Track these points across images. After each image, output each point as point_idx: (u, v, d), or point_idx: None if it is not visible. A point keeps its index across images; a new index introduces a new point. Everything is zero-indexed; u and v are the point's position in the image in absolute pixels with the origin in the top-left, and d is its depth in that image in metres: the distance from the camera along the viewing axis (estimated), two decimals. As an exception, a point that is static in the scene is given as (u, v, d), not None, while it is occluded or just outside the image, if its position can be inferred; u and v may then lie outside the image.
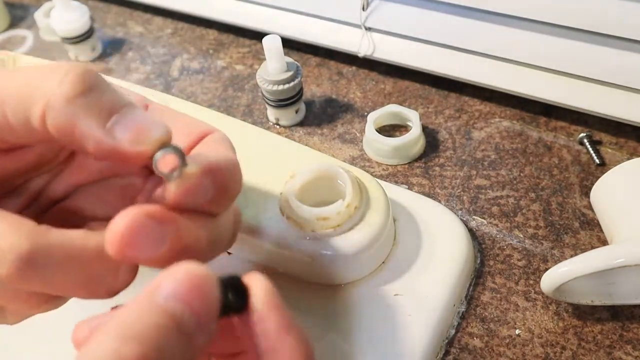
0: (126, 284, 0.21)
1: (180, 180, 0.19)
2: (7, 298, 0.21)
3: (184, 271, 0.17)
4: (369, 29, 0.48)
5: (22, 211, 0.23)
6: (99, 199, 0.25)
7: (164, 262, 0.19)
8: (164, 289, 0.17)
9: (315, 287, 0.33)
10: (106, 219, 0.21)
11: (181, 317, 0.17)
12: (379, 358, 0.31)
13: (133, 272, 0.21)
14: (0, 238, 0.18)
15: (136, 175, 0.25)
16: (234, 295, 0.19)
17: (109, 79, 0.22)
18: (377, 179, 0.34)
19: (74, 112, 0.19)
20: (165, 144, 0.20)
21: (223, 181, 0.21)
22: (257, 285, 0.19)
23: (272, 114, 0.46)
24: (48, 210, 0.24)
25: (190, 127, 0.24)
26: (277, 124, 0.46)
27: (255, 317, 0.19)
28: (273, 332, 0.18)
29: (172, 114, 0.25)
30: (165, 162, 0.19)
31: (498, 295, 0.34)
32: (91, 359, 0.15)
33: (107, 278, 0.20)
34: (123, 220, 0.18)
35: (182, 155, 0.19)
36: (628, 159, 0.41)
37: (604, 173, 0.35)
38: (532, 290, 0.34)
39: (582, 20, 0.39)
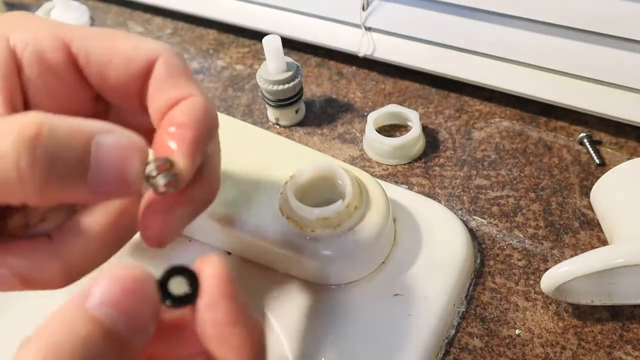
0: None
1: (179, 187, 0.20)
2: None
3: (112, 275, 0.17)
4: (369, 29, 0.48)
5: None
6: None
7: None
8: (92, 295, 0.16)
9: (315, 287, 0.33)
10: None
11: (112, 322, 0.16)
12: (379, 358, 0.31)
13: None
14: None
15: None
16: (184, 285, 0.18)
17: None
18: (377, 179, 0.34)
19: (51, 196, 0.17)
20: (145, 164, 0.19)
21: (205, 137, 0.21)
22: (208, 271, 0.18)
23: (272, 114, 0.46)
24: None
25: (132, 61, 0.21)
26: (277, 124, 0.46)
27: (202, 306, 0.18)
28: (222, 322, 0.17)
29: (102, 49, 0.21)
30: (158, 188, 0.19)
31: (498, 295, 0.34)
32: None
33: None
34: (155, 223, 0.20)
35: (164, 164, 0.19)
36: (628, 159, 0.41)
37: (604, 173, 0.35)
38: (532, 290, 0.34)
39: (582, 20, 0.39)
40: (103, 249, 0.21)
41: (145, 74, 0.22)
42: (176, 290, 0.18)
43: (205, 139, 0.21)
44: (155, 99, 0.21)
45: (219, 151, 0.24)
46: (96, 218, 0.21)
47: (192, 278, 0.18)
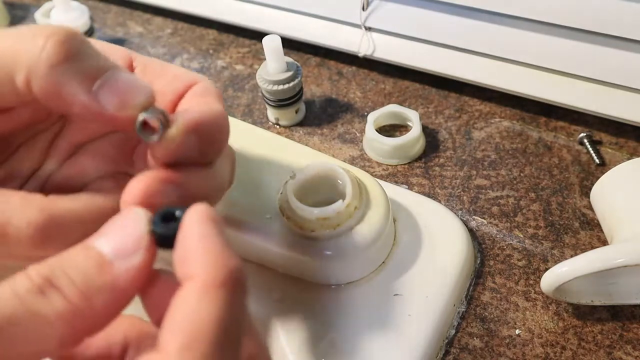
0: None
1: (164, 142, 0.20)
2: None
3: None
4: (369, 28, 0.48)
5: (27, 180, 0.24)
6: (100, 156, 0.25)
7: None
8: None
9: (315, 287, 0.33)
10: (109, 175, 0.24)
11: (100, 248, 0.18)
12: (378, 358, 0.31)
13: None
14: (14, 216, 0.19)
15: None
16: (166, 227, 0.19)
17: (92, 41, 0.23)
18: (377, 179, 0.34)
19: (57, 79, 0.19)
20: (149, 107, 0.20)
21: (208, 135, 0.22)
22: (190, 214, 0.18)
23: (272, 114, 0.46)
24: (51, 176, 0.25)
25: (177, 78, 0.24)
26: (277, 124, 0.46)
27: (178, 243, 0.18)
28: (192, 254, 0.17)
29: (157, 66, 0.25)
30: (146, 126, 0.20)
31: (498, 295, 0.34)
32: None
33: None
34: (137, 186, 0.20)
35: (164, 117, 0.20)
36: (628, 159, 0.41)
37: (604, 173, 0.35)
38: (532, 290, 0.34)
39: (582, 20, 0.39)
40: (88, 220, 0.22)
41: (184, 92, 0.24)
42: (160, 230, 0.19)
43: (207, 131, 0.21)
44: (183, 104, 0.24)
45: (229, 161, 0.25)
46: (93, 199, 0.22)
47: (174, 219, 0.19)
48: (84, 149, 0.25)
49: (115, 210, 0.20)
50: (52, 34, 0.19)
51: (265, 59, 0.42)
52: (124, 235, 0.18)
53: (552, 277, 0.31)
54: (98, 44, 0.25)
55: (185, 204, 0.19)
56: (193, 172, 0.22)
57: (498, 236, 0.37)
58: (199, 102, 0.23)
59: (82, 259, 0.17)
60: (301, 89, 0.44)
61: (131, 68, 0.25)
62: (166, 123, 0.20)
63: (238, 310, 0.17)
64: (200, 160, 0.22)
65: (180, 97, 0.24)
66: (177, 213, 0.19)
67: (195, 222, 0.18)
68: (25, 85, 0.19)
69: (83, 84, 0.19)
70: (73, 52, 0.19)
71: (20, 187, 0.24)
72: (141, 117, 0.20)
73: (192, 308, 0.16)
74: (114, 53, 0.25)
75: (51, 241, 0.20)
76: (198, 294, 0.16)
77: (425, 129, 0.44)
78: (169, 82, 0.24)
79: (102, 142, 0.25)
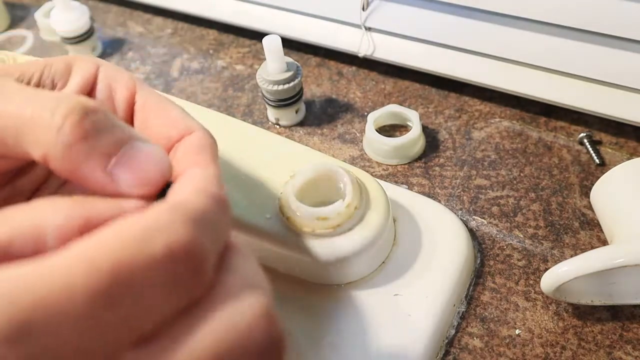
0: None
1: None
2: None
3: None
4: (369, 29, 0.48)
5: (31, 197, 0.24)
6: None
7: None
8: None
9: (315, 287, 0.33)
10: None
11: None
12: (379, 358, 0.31)
13: None
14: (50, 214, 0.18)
15: None
16: None
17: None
18: (377, 179, 0.34)
19: (74, 158, 0.19)
20: (164, 185, 0.20)
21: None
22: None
23: (272, 114, 0.46)
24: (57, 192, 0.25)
25: (172, 124, 0.23)
26: (277, 124, 0.46)
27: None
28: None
29: (156, 106, 0.24)
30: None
31: (498, 295, 0.34)
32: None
33: None
34: None
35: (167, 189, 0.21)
36: (628, 159, 0.41)
37: (604, 173, 0.35)
38: (532, 290, 0.34)
39: (582, 20, 0.39)
40: None
41: (177, 140, 0.23)
42: None
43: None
44: (176, 161, 0.23)
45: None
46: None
47: None
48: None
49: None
50: (71, 112, 0.19)
51: (265, 59, 0.42)
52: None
53: (552, 277, 0.31)
54: (107, 68, 0.25)
55: None
56: None
57: (498, 236, 0.37)
58: (193, 168, 0.22)
59: None
60: (301, 89, 0.44)
61: (132, 101, 0.24)
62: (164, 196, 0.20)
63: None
64: None
65: (172, 144, 0.23)
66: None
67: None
68: (43, 160, 0.19)
69: (99, 162, 0.19)
70: (90, 131, 0.19)
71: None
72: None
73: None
74: (119, 81, 0.24)
75: None
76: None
77: (425, 129, 0.44)
78: (164, 126, 0.23)
79: None
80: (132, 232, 0.16)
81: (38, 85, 0.24)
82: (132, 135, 0.20)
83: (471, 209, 0.39)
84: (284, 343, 0.18)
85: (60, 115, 0.19)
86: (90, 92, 0.25)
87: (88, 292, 0.14)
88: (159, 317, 0.16)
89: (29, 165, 0.24)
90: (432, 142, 0.43)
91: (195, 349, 0.16)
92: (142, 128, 0.24)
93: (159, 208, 0.17)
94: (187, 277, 0.16)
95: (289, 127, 0.46)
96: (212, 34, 0.56)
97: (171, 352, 0.15)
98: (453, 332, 0.33)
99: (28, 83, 0.23)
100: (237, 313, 0.17)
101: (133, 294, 0.15)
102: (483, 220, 0.38)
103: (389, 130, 0.45)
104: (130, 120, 0.25)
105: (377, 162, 0.43)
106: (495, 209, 0.39)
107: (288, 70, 0.42)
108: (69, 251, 0.15)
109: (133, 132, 0.20)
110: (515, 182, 0.40)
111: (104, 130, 0.19)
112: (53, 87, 0.24)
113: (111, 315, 0.14)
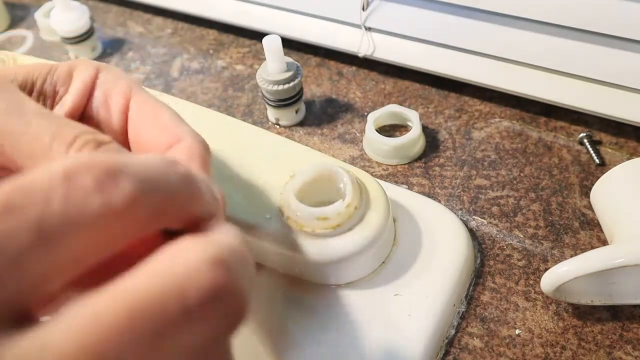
0: None
1: None
2: None
3: None
4: (369, 29, 0.48)
5: None
6: None
7: None
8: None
9: (315, 287, 0.33)
10: None
11: None
12: (379, 358, 0.31)
13: None
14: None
15: None
16: None
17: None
18: (377, 179, 0.34)
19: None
20: None
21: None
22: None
23: (272, 114, 0.46)
24: None
25: (163, 132, 0.23)
26: (277, 124, 0.46)
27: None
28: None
29: (150, 113, 0.24)
30: None
31: (498, 295, 0.34)
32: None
33: None
34: None
35: None
36: (628, 159, 0.41)
37: (604, 173, 0.35)
38: (532, 290, 0.34)
39: (582, 20, 0.39)
40: None
41: (167, 148, 0.23)
42: None
43: None
44: None
45: None
46: None
47: None
48: None
49: None
50: (85, 145, 0.19)
51: (265, 59, 0.42)
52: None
53: (552, 277, 0.31)
54: (107, 73, 0.25)
55: None
56: None
57: (498, 236, 0.37)
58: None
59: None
60: (301, 89, 0.44)
61: (127, 108, 0.24)
62: None
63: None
64: None
65: (163, 151, 0.23)
66: None
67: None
68: None
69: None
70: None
71: None
72: None
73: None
74: (115, 87, 0.24)
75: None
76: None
77: (425, 129, 0.44)
78: (155, 133, 0.24)
79: None
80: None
81: (41, 91, 0.24)
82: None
83: (471, 209, 0.39)
84: (240, 299, 0.16)
85: (76, 149, 0.19)
86: (88, 98, 0.25)
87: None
88: None
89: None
90: (432, 142, 0.43)
91: (127, 289, 0.14)
92: (135, 135, 0.24)
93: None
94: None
95: (289, 127, 0.46)
96: (212, 34, 0.56)
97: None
98: (453, 332, 0.33)
99: (31, 88, 0.23)
100: (180, 256, 0.16)
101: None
102: (483, 220, 0.38)
103: (389, 130, 0.45)
104: (125, 126, 0.25)
105: (377, 162, 0.43)
106: (495, 209, 0.39)
107: (288, 70, 0.42)
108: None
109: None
110: (515, 182, 0.40)
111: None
112: (55, 93, 0.24)
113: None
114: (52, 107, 0.25)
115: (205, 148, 0.23)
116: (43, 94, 0.24)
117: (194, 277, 0.15)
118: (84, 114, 0.25)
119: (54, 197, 0.15)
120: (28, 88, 0.24)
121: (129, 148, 0.23)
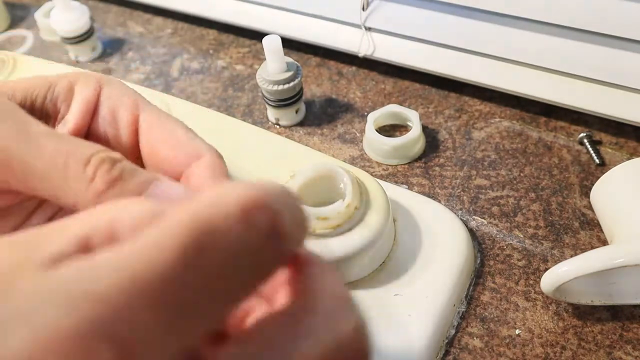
0: None
1: None
2: None
3: None
4: (369, 29, 0.48)
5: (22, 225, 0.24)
6: None
7: None
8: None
9: (315, 287, 0.33)
10: None
11: None
12: (379, 358, 0.31)
13: None
14: None
15: None
16: None
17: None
18: (377, 179, 0.34)
19: (102, 202, 0.19)
20: None
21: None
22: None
23: (272, 114, 0.46)
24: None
25: (180, 147, 0.23)
26: (277, 124, 0.46)
27: None
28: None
29: (162, 130, 0.24)
30: None
31: (498, 295, 0.34)
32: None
33: None
34: None
35: None
36: (628, 159, 0.41)
37: (604, 173, 0.35)
38: (532, 290, 0.34)
39: (582, 20, 0.39)
40: None
41: (187, 165, 0.23)
42: None
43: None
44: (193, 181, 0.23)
45: None
46: None
47: None
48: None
49: None
50: (100, 164, 0.20)
51: (265, 59, 0.42)
52: None
53: (552, 277, 0.31)
54: (110, 88, 0.24)
55: None
56: None
57: (498, 236, 0.37)
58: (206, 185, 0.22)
59: None
60: (301, 89, 0.44)
61: (136, 125, 0.24)
62: None
63: None
64: None
65: (182, 168, 0.23)
66: None
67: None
68: (72, 206, 0.20)
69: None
70: (118, 178, 0.20)
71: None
72: None
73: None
74: (121, 104, 0.24)
75: None
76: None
77: (425, 129, 0.44)
78: (172, 149, 0.23)
79: None
80: (206, 198, 0.15)
81: (42, 109, 0.23)
82: (155, 176, 0.21)
83: (471, 209, 0.39)
84: (373, 355, 0.18)
85: (92, 167, 0.20)
86: (92, 115, 0.24)
87: (176, 249, 0.13)
88: (240, 294, 0.15)
89: (13, 208, 0.24)
90: (432, 142, 0.43)
91: (308, 356, 0.15)
92: (149, 152, 0.24)
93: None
94: (263, 237, 0.15)
95: (289, 127, 0.46)
96: (212, 34, 0.56)
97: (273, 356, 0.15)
98: (453, 332, 0.33)
99: (32, 106, 0.23)
100: (336, 323, 0.17)
101: (216, 253, 0.14)
102: (483, 220, 0.38)
103: (389, 130, 0.45)
104: (135, 143, 0.24)
105: (377, 162, 0.43)
106: (495, 209, 0.39)
107: (288, 70, 0.42)
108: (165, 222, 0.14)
109: (156, 174, 0.21)
110: (515, 182, 0.40)
111: (130, 175, 0.20)
112: (57, 111, 0.24)
113: (196, 279, 0.13)
114: (54, 126, 0.24)
115: (223, 161, 0.23)
116: (45, 112, 0.24)
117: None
118: (89, 131, 0.24)
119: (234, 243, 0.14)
120: (28, 106, 0.23)
121: (137, 164, 0.23)
